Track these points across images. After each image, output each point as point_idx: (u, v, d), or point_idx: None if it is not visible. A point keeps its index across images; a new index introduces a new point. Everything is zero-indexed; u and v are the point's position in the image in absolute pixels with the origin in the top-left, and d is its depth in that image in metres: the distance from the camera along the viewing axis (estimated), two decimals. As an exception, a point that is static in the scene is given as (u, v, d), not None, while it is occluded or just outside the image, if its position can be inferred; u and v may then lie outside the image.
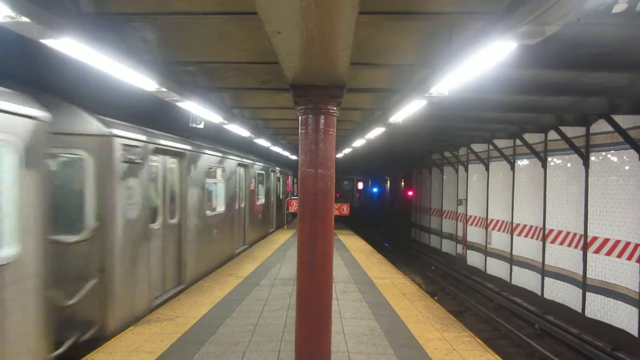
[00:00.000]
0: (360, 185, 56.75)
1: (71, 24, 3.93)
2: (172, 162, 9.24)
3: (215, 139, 12.76)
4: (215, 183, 12.43)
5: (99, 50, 4.37)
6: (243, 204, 15.69)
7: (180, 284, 9.58)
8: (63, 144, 6.36)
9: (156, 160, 8.46)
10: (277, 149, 19.62)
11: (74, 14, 4.38)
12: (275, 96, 9.23)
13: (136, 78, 5.47)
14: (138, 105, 8.14)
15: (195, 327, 7.18)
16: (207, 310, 8.12)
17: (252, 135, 12.91)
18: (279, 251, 15.58)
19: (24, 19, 3.45)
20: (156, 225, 8.46)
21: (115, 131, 6.79)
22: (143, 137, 7.68)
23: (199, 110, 8.03)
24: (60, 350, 5.70)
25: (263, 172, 19.25)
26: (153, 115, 8.90)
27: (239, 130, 11.20)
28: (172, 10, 4.67)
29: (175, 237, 9.40)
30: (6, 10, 3.35)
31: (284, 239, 19.08)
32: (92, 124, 6.59)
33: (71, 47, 4.14)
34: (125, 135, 7.07)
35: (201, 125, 10.04)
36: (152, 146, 8.01)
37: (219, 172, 12.54)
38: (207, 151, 11.18)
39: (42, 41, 3.97)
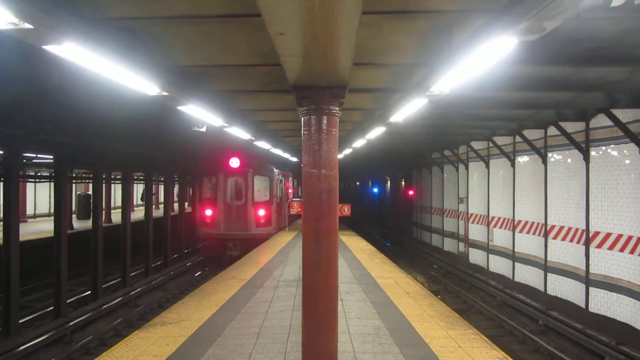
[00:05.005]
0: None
1: (73, 29, 3.90)
2: (284, 179, 24.83)
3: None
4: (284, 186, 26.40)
5: (101, 54, 4.36)
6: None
7: (283, 227, 24.07)
8: (281, 176, 23.90)
9: (280, 178, 23.42)
10: (277, 151, 19.66)
11: (76, 18, 4.37)
12: (276, 98, 9.23)
13: (138, 82, 5.44)
14: (142, 109, 8.16)
15: (201, 329, 7.19)
16: (212, 313, 8.13)
17: (253, 138, 12.92)
18: (281, 253, 15.59)
19: (27, 25, 3.43)
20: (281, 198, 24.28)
21: (273, 168, 22.04)
22: (278, 170, 22.92)
23: (200, 114, 8.01)
24: (286, 223, 24.75)
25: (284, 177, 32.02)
26: (157, 118, 8.94)
27: (239, 132, 11.21)
28: (174, 14, 4.66)
29: (282, 207, 24.15)
30: (9, 17, 3.34)
31: (285, 241, 19.10)
32: (271, 167, 22.09)
33: (73, 52, 4.14)
34: (277, 171, 22.75)
35: (203, 129, 10.03)
36: (278, 171, 22.69)
37: (286, 181, 26.91)
38: (286, 171, 26.57)
39: (44, 47, 3.97)
